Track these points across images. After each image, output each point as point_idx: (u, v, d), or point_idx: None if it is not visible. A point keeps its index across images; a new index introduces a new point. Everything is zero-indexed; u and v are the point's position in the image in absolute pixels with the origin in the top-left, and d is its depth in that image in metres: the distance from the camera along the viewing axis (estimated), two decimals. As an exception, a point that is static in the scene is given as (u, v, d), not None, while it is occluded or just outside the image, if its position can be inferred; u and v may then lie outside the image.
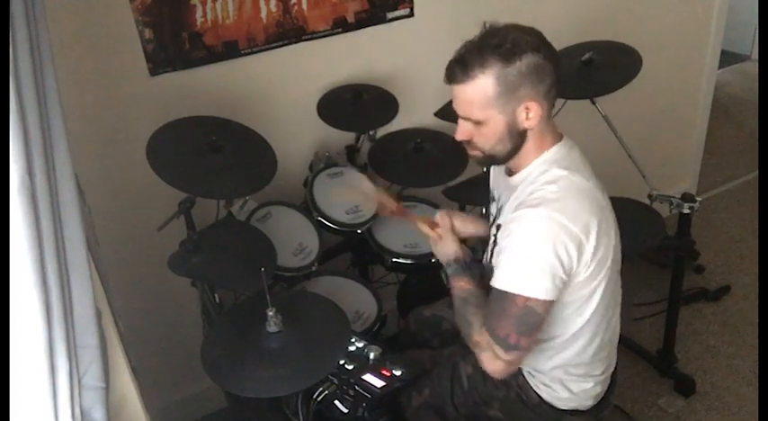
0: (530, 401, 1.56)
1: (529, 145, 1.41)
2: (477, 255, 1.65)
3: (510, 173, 1.49)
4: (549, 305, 1.36)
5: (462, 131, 1.42)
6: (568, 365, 1.50)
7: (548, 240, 1.32)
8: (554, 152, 1.42)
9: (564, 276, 1.34)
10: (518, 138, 1.39)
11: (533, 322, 1.36)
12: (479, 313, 1.46)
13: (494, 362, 1.41)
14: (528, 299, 1.34)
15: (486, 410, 1.60)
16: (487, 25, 1.35)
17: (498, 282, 1.38)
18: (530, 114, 1.35)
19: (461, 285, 1.53)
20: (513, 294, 1.34)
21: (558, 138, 1.45)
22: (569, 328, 1.46)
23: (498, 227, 1.47)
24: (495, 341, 1.39)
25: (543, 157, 1.42)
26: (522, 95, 1.32)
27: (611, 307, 1.52)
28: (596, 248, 1.36)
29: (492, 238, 1.51)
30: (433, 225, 1.67)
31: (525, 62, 1.30)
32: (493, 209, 1.60)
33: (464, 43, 1.35)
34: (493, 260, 1.47)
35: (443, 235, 1.63)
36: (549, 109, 1.39)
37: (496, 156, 1.43)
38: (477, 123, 1.37)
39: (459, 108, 1.39)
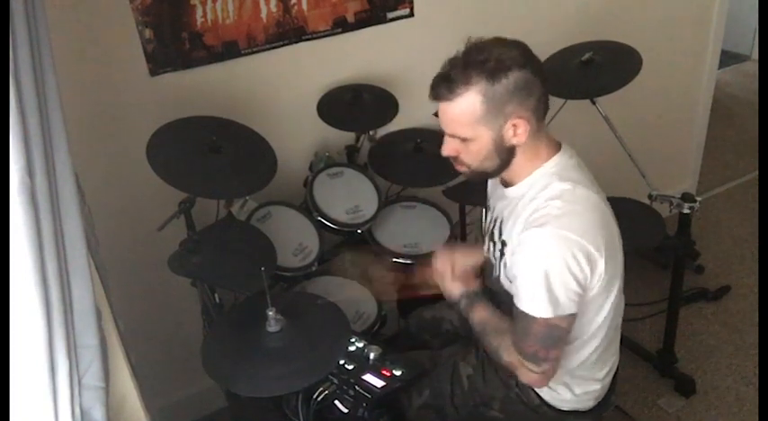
0: (530, 403, 1.56)
1: (520, 158, 1.39)
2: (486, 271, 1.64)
3: (505, 184, 1.48)
4: (572, 318, 1.37)
5: (448, 148, 1.40)
6: (575, 369, 1.51)
7: (559, 259, 1.31)
8: (553, 164, 1.40)
9: (580, 290, 1.34)
10: (506, 154, 1.38)
11: (558, 336, 1.37)
12: (501, 336, 1.46)
13: (529, 375, 1.43)
14: (549, 318, 1.34)
15: (486, 411, 1.60)
16: (472, 40, 1.33)
17: (517, 301, 1.38)
18: (517, 131, 1.33)
19: (475, 316, 1.54)
20: (531, 314, 1.35)
21: (555, 147, 1.43)
22: (580, 336, 1.46)
23: (503, 243, 1.46)
24: (525, 358, 1.40)
25: (542, 170, 1.40)
26: (509, 112, 1.31)
27: (618, 313, 1.52)
28: (608, 260, 1.35)
29: (497, 254, 1.50)
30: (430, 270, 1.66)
31: (512, 79, 1.28)
32: (488, 218, 1.60)
33: (448, 60, 1.33)
34: (503, 279, 1.47)
35: (442, 281, 1.62)
36: (539, 122, 1.37)
37: (485, 171, 1.42)
38: (464, 140, 1.36)
39: (446, 125, 1.37)
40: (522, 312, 1.36)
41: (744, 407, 2.31)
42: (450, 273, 1.62)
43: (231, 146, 1.75)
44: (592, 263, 1.33)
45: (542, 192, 1.37)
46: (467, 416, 1.62)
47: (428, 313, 1.86)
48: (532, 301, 1.34)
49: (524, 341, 1.39)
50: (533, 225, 1.33)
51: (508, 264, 1.43)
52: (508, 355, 1.44)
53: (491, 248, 1.54)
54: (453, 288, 1.60)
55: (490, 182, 1.63)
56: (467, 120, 1.32)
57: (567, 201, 1.34)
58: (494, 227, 1.53)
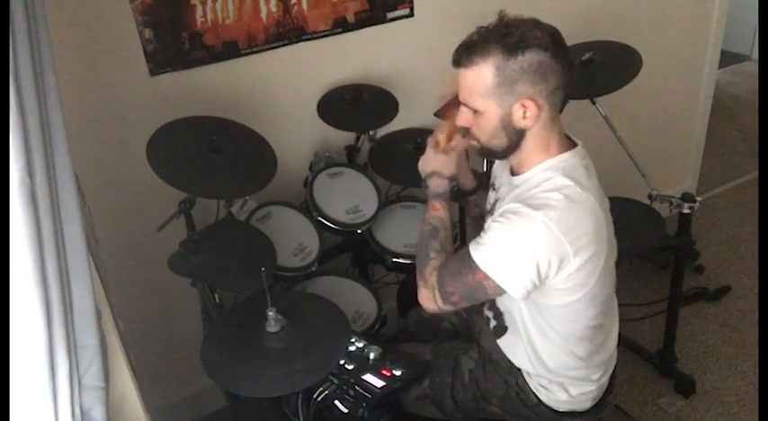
0: (528, 402, 1.56)
1: (530, 145, 1.38)
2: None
3: (512, 172, 1.47)
4: (503, 292, 1.37)
5: (463, 118, 1.41)
6: (569, 369, 1.51)
7: (534, 247, 1.30)
8: (562, 159, 1.39)
9: (536, 281, 1.34)
10: (515, 135, 1.37)
11: (479, 297, 1.40)
12: (440, 256, 1.47)
13: (428, 301, 1.46)
14: (488, 278, 1.34)
15: (485, 405, 1.61)
16: (503, 14, 1.33)
17: (473, 247, 1.37)
18: (527, 113, 1.32)
19: (438, 210, 1.52)
20: (478, 266, 1.35)
21: (568, 145, 1.42)
22: (564, 333, 1.46)
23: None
24: (439, 290, 1.42)
25: (549, 163, 1.39)
26: (520, 91, 1.30)
27: (607, 314, 1.51)
28: (582, 265, 1.33)
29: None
30: (451, 137, 1.54)
31: (528, 58, 1.28)
32: (491, 197, 1.58)
33: (477, 28, 1.34)
34: None
35: (451, 153, 1.52)
36: (553, 111, 1.36)
37: (493, 150, 1.41)
38: (476, 112, 1.36)
39: (461, 93, 1.38)
40: (471, 258, 1.36)
41: (744, 407, 2.31)
42: (459, 155, 1.54)
43: (231, 146, 1.74)
44: (562, 263, 1.32)
45: (544, 182, 1.37)
46: (465, 410, 1.62)
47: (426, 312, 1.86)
48: (486, 256, 1.34)
49: (451, 278, 1.40)
50: (528, 204, 1.32)
51: (485, 226, 1.42)
52: (429, 273, 1.45)
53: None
54: (449, 166, 1.53)
55: (497, 163, 1.62)
56: (478, 90, 1.33)
57: (565, 195, 1.33)
58: (493, 204, 1.53)
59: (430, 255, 1.48)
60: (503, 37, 1.29)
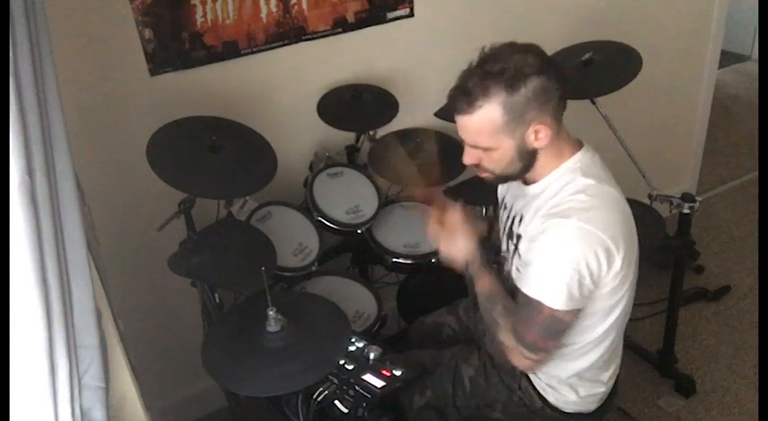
0: (532, 406, 1.56)
1: (542, 159, 1.39)
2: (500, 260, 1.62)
3: (525, 181, 1.46)
4: (577, 313, 1.37)
5: (470, 157, 1.40)
6: (583, 371, 1.50)
7: (579, 251, 1.31)
8: (576, 160, 1.39)
9: (592, 286, 1.34)
10: (529, 157, 1.37)
11: (560, 329, 1.38)
12: (507, 315, 1.44)
13: (522, 360, 1.43)
14: (557, 310, 1.34)
15: (488, 412, 1.60)
16: (486, 49, 1.32)
17: (527, 288, 1.37)
18: (539, 135, 1.33)
19: (486, 283, 1.49)
20: (541, 303, 1.34)
21: (577, 145, 1.42)
22: (589, 336, 1.46)
23: (518, 236, 1.45)
24: (522, 345, 1.40)
25: (565, 166, 1.39)
26: (530, 119, 1.31)
27: (627, 314, 1.52)
28: (624, 258, 1.35)
29: (512, 248, 1.49)
30: (442, 216, 1.53)
31: (531, 87, 1.27)
32: (504, 216, 1.58)
33: (464, 70, 1.32)
34: (514, 272, 1.47)
35: (454, 230, 1.50)
36: (558, 124, 1.37)
37: (509, 176, 1.42)
38: (486, 149, 1.36)
39: (467, 137, 1.37)
40: (531, 298, 1.35)
41: (744, 407, 2.31)
42: (461, 225, 1.51)
43: (231, 146, 1.74)
44: (610, 259, 1.33)
45: (566, 186, 1.37)
46: (468, 418, 1.62)
47: (428, 319, 1.86)
48: (545, 290, 1.34)
49: (526, 328, 1.39)
50: (558, 216, 1.33)
51: (522, 252, 1.42)
52: (506, 337, 1.44)
53: (508, 245, 1.52)
54: (466, 245, 1.50)
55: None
56: (488, 131, 1.32)
57: (592, 195, 1.34)
58: (510, 224, 1.52)
59: (498, 321, 1.46)
60: (499, 74, 1.27)
